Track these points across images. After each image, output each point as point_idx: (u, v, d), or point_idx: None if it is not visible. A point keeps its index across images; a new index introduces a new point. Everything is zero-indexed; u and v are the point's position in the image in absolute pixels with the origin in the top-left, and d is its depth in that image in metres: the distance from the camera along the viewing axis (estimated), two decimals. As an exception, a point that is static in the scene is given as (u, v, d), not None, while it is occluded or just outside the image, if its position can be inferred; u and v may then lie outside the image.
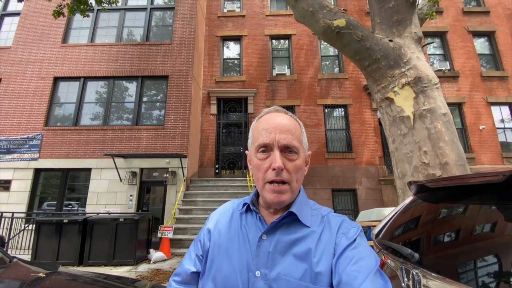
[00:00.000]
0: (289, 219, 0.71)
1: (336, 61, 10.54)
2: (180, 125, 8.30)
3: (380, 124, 10.11)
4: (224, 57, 10.52)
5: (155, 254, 5.67)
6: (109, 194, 7.93)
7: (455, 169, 2.48)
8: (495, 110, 9.70)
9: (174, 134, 8.25)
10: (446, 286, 0.99)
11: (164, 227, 6.02)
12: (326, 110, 9.90)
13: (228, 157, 9.67)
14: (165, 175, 8.21)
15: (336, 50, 10.53)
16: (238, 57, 10.50)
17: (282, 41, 10.76)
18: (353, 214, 9.06)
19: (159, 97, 8.90)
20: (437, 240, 1.27)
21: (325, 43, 10.55)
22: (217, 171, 9.46)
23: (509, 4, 10.71)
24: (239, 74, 10.28)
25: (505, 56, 10.15)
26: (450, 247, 1.26)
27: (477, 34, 10.47)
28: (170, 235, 5.94)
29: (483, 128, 9.40)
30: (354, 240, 0.65)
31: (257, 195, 0.79)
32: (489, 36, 10.45)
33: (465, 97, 9.71)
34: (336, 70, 10.46)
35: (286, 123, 0.71)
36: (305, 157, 0.74)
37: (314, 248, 0.66)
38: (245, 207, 0.78)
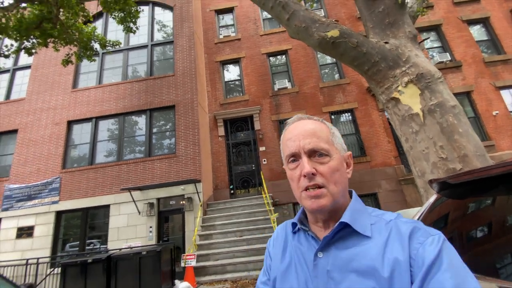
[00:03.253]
0: (344, 231, 0.64)
1: (335, 67, 10.67)
2: (191, 151, 8.44)
3: (389, 123, 9.98)
4: (226, 80, 10.84)
5: (180, 285, 5.58)
6: (129, 228, 7.98)
7: (475, 160, 2.41)
8: (504, 94, 9.46)
9: (186, 161, 8.37)
10: (487, 286, 0.94)
11: (187, 255, 5.97)
12: (332, 117, 9.89)
13: (241, 176, 9.67)
14: (181, 202, 8.25)
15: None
16: (239, 78, 10.79)
17: (279, 56, 11.03)
18: (377, 219, 8.74)
19: (168, 127, 9.15)
20: (469, 237, 1.22)
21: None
22: (232, 191, 9.44)
23: (499, -11, 10.75)
24: (241, 94, 10.51)
25: (504, 40, 10.04)
26: (484, 243, 1.22)
27: (471, 22, 10.47)
28: (193, 263, 5.87)
29: (497, 113, 9.14)
30: (438, 254, 0.53)
31: (304, 212, 0.75)
32: (484, 22, 10.42)
33: (472, 85, 9.54)
34: (337, 76, 10.56)
35: (309, 128, 0.69)
36: (342, 158, 0.69)
37: (381, 261, 0.57)
38: (296, 227, 0.75)
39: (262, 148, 9.54)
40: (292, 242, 0.74)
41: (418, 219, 1.63)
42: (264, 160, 9.41)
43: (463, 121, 2.59)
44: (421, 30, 10.36)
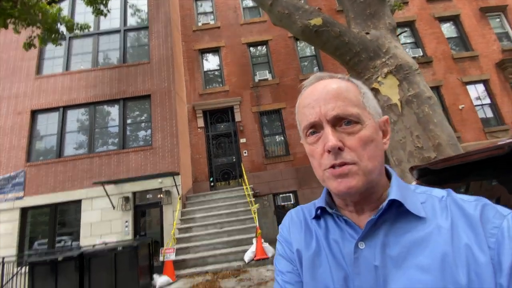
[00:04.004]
0: (392, 213, 0.51)
1: (315, 60, 10.75)
2: (168, 142, 8.16)
3: (365, 116, 10.29)
4: (205, 69, 10.52)
5: (159, 279, 5.45)
6: (103, 223, 7.63)
7: (448, 149, 2.52)
8: (470, 89, 10.10)
9: (163, 153, 8.09)
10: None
11: (166, 249, 5.82)
12: (312, 109, 10.00)
13: (222, 168, 9.56)
14: (159, 195, 8.00)
15: (313, 49, 10.75)
16: (219, 68, 10.52)
17: (259, 47, 10.88)
18: (353, 208, 9.10)
19: (143, 117, 8.74)
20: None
21: (302, 44, 10.76)
22: (212, 184, 9.32)
23: (468, -12, 11.32)
24: (221, 85, 10.28)
25: (472, 37, 10.65)
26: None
27: (443, 19, 10.97)
28: (172, 256, 5.75)
29: (463, 107, 9.76)
30: None
31: (329, 193, 0.61)
32: (455, 19, 10.97)
33: (441, 80, 10.07)
34: (316, 69, 10.65)
35: (332, 89, 0.54)
36: (376, 125, 0.55)
37: (451, 251, 0.44)
38: (318, 211, 0.60)
39: (242, 140, 9.47)
40: (318, 230, 0.59)
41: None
42: (245, 152, 9.35)
43: (438, 111, 2.69)
44: (397, 25, 10.67)
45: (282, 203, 8.84)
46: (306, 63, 10.78)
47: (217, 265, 5.92)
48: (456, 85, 10.06)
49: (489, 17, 10.99)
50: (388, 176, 0.58)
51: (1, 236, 7.48)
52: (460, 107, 9.75)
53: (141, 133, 8.62)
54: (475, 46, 10.52)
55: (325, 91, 0.54)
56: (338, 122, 0.52)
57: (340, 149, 0.50)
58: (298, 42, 10.88)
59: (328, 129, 0.52)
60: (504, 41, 10.74)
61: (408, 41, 10.82)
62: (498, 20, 11.13)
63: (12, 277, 6.29)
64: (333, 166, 0.51)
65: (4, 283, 6.26)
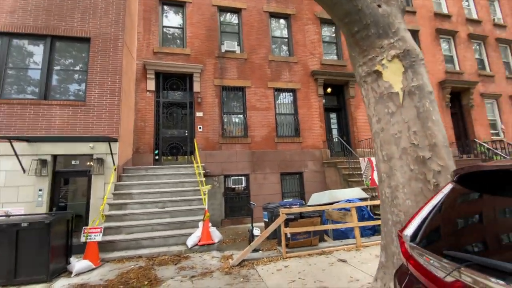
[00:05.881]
0: None
1: (286, 42, 10.27)
2: (107, 101, 6.76)
3: (325, 109, 10.42)
4: (164, 24, 9.03)
5: (77, 264, 4.46)
6: (7, 189, 6.00)
7: (443, 150, 2.34)
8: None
9: (99, 113, 6.68)
10: None
11: (90, 228, 4.79)
12: (276, 93, 9.61)
13: (170, 141, 8.52)
14: (89, 163, 6.65)
15: (286, 31, 10.23)
16: (181, 26, 9.16)
17: (231, 15, 9.84)
18: (300, 196, 9.24)
19: (77, 66, 7.04)
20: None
21: (276, 23, 10.13)
22: (156, 157, 8.25)
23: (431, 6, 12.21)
24: (182, 47, 9.01)
25: (425, 54, 11.56)
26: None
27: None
28: (98, 237, 4.77)
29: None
30: None
31: None
32: (414, 35, 11.72)
33: (395, 88, 10.73)
34: (286, 53, 10.20)
35: None
36: None
37: None
38: None
39: (199, 114, 8.55)
40: None
41: (428, 214, 1.29)
42: (200, 127, 8.48)
43: (436, 109, 2.48)
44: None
45: (233, 186, 8.38)
46: (277, 44, 10.21)
47: (154, 249, 5.18)
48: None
49: (441, 38, 12.10)
50: None
51: None
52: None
53: (73, 85, 6.94)
54: (426, 63, 11.48)
55: None
56: None
57: None
58: (272, 20, 10.20)
59: None
60: (449, 63, 12.01)
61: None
62: (446, 43, 12.36)
63: None
64: None
65: None
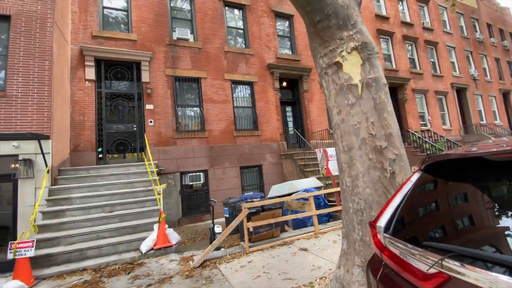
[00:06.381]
0: None
1: (242, 34, 10.06)
2: (34, 91, 5.72)
3: (281, 103, 10.60)
4: (105, 5, 7.97)
5: (6, 286, 3.72)
6: None
7: (397, 140, 2.48)
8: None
9: (24, 105, 5.62)
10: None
11: (19, 243, 4.01)
12: (233, 86, 9.39)
13: (116, 137, 7.68)
14: (13, 165, 5.57)
15: (242, 22, 10.01)
16: (126, 9, 8.21)
17: (182, 1, 9.19)
18: (259, 188, 9.30)
19: (-9, 48, 5.77)
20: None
21: (231, 13, 9.84)
22: (100, 156, 7.36)
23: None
24: (128, 32, 8.10)
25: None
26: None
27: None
28: (30, 253, 4.03)
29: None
30: None
31: None
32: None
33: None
34: (242, 45, 10.00)
35: None
36: None
37: None
38: None
39: (149, 106, 7.85)
40: None
41: (400, 203, 1.30)
42: (151, 121, 7.82)
43: (390, 101, 2.62)
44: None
45: (190, 183, 7.99)
46: (233, 35, 9.93)
47: (102, 258, 4.62)
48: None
49: (381, 38, 13.29)
50: None
51: None
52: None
53: (-15, 71, 5.69)
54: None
55: None
56: None
57: None
58: (227, 8, 9.85)
59: None
60: (387, 61, 13.29)
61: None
62: (385, 43, 13.62)
63: None
64: None
65: None
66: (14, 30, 5.76)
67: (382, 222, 1.27)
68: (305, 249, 4.29)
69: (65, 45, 6.99)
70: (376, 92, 2.53)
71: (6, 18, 5.79)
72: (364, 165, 2.43)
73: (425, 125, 13.99)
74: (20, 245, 3.99)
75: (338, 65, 2.57)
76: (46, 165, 5.58)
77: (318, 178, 7.56)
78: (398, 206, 1.28)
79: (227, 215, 6.04)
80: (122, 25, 8.19)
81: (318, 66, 2.81)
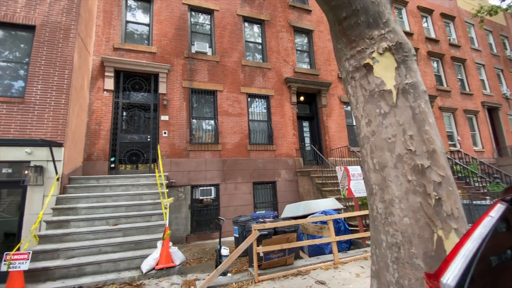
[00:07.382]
0: None
1: (260, 48, 10.00)
2: (52, 99, 5.77)
3: (298, 117, 10.24)
4: (128, 19, 8.23)
5: (-9, 302, 3.47)
6: None
7: (442, 158, 2.02)
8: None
9: (41, 112, 5.66)
10: None
11: (14, 254, 3.80)
12: (249, 100, 9.20)
13: (130, 147, 7.60)
14: (25, 172, 5.54)
15: (260, 37, 9.98)
16: (148, 23, 8.42)
17: (203, 16, 9.34)
18: (272, 206, 8.79)
19: (16, 55, 5.96)
20: None
21: (249, 27, 9.85)
22: (112, 165, 7.27)
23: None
24: (148, 44, 8.25)
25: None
26: None
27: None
28: (24, 265, 3.79)
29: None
30: None
31: None
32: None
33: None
34: (260, 58, 9.91)
35: None
36: None
37: None
38: None
39: (164, 117, 7.78)
40: None
41: (483, 241, 0.86)
42: (165, 132, 7.71)
43: (431, 111, 2.18)
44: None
45: (201, 197, 7.66)
46: (251, 49, 9.89)
47: (100, 276, 4.29)
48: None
49: (432, 60, 12.84)
50: None
51: None
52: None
53: (9, 77, 5.84)
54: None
55: None
56: None
57: None
58: (246, 23, 9.89)
59: None
60: (437, 81, 12.85)
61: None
62: (435, 64, 13.17)
63: None
64: None
65: None
66: (37, 39, 5.94)
67: (450, 278, 0.84)
68: (322, 283, 3.73)
69: (87, 56, 7.15)
70: (415, 100, 2.11)
71: (31, 28, 6.01)
72: (401, 188, 1.97)
73: (455, 145, 12.99)
74: (15, 256, 3.77)
75: (368, 68, 2.20)
76: (56, 173, 5.50)
77: (338, 199, 6.97)
78: (475, 253, 0.85)
79: (237, 235, 5.58)
80: (143, 38, 8.37)
81: (343, 70, 2.45)
